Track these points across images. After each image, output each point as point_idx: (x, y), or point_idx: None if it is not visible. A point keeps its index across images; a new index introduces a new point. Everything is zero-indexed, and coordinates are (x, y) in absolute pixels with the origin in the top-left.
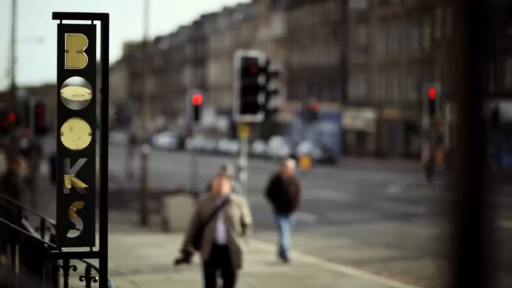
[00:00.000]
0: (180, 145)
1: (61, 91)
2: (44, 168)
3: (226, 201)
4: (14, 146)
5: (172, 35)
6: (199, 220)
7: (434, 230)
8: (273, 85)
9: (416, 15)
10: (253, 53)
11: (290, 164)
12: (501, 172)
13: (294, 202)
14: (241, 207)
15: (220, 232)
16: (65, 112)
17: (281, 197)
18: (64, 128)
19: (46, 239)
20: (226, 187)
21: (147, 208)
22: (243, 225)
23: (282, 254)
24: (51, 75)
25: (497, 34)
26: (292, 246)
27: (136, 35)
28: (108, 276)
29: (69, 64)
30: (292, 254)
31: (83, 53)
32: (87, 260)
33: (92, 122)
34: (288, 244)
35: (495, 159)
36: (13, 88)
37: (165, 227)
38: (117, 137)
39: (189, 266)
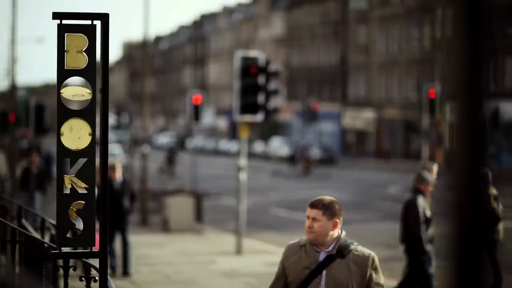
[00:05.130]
0: (180, 145)
1: (61, 91)
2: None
3: (335, 256)
4: (14, 146)
5: (172, 35)
6: (285, 285)
7: (434, 230)
8: (273, 85)
9: (416, 15)
10: (253, 53)
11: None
12: (501, 172)
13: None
14: (365, 268)
15: None
16: (65, 112)
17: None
18: (64, 128)
19: (46, 239)
20: (335, 227)
21: (147, 208)
22: None
23: None
24: (51, 75)
25: (497, 34)
26: None
27: (136, 35)
28: (108, 276)
29: (69, 64)
30: None
31: (83, 53)
32: (87, 260)
33: (92, 122)
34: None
35: (495, 159)
36: (13, 88)
37: (165, 227)
38: None
39: None
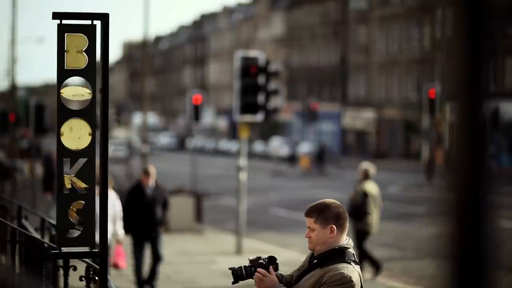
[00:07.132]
0: (180, 145)
1: (61, 91)
2: (39, 169)
3: (315, 265)
4: (14, 146)
5: (172, 35)
6: None
7: (434, 230)
8: (273, 85)
9: (416, 15)
10: (253, 53)
11: None
12: (501, 172)
13: None
14: (316, 282)
15: None
16: (65, 112)
17: None
18: (64, 128)
19: (46, 239)
20: (332, 233)
21: None
22: None
23: None
24: (51, 75)
25: (497, 34)
26: (291, 245)
27: (136, 35)
28: (108, 276)
29: (69, 64)
30: (291, 254)
31: (83, 53)
32: (87, 260)
33: (92, 122)
34: None
35: (495, 159)
36: (13, 88)
37: (165, 227)
38: None
39: None
